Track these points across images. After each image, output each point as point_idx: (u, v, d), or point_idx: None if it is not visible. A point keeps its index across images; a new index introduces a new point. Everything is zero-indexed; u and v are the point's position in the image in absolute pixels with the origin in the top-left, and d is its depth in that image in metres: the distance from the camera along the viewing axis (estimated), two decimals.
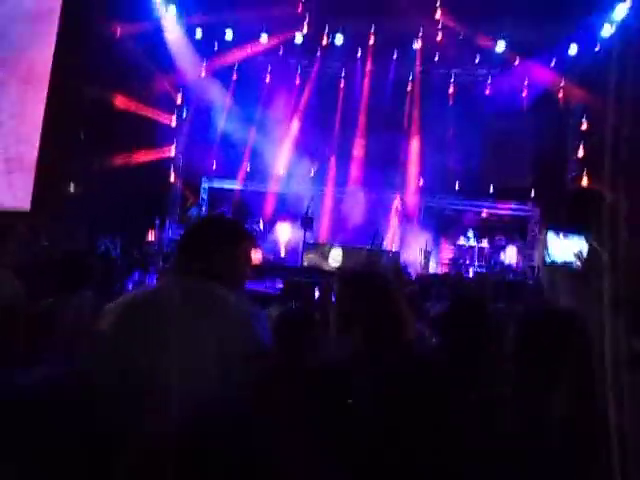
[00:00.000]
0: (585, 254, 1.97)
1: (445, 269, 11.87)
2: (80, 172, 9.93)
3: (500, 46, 11.82)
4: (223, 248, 1.68)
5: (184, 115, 13.57)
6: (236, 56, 13.25)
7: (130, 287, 5.87)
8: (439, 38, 12.09)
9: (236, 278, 1.71)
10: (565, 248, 2.04)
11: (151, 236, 11.35)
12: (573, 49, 11.55)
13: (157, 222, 11.31)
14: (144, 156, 11.44)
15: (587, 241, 1.97)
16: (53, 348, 2.52)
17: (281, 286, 6.39)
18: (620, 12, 10.29)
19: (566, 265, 2.04)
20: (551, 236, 2.03)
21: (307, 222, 11.36)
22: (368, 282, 1.83)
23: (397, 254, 11.52)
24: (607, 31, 10.81)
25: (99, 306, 1.72)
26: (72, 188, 10.00)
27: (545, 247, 2.03)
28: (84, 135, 10.21)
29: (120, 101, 10.95)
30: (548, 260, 2.04)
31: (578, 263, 2.00)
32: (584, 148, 12.52)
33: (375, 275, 1.88)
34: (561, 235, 2.03)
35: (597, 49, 11.19)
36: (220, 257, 1.67)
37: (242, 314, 1.60)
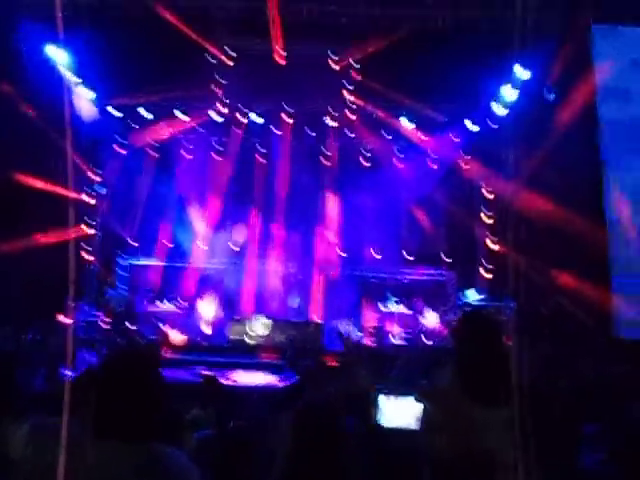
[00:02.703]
0: (420, 415, 2.10)
1: (369, 338, 12.01)
2: None
3: (408, 125, 12.70)
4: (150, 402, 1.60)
5: (101, 192, 13.32)
6: (154, 134, 13.36)
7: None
8: (351, 117, 12.83)
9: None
10: (399, 409, 2.16)
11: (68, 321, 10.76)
12: (472, 127, 12.60)
13: (72, 305, 10.76)
14: (57, 236, 11.00)
15: (417, 400, 2.10)
16: None
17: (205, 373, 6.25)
18: (510, 95, 11.42)
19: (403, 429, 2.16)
20: (382, 398, 2.14)
21: (230, 305, 11.27)
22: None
23: (321, 325, 11.59)
24: (501, 111, 11.93)
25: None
26: None
27: (377, 409, 2.15)
28: None
29: (30, 181, 10.61)
30: (383, 423, 2.14)
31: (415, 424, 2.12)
32: (490, 215, 13.48)
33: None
34: (392, 397, 2.15)
35: (493, 126, 12.30)
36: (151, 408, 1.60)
37: None
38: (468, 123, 12.61)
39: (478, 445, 1.95)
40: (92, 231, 12.99)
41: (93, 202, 13.05)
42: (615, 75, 10.61)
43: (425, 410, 2.09)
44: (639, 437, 2.20)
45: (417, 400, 2.13)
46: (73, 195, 11.91)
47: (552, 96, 10.70)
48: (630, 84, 10.66)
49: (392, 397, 2.13)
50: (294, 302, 11.96)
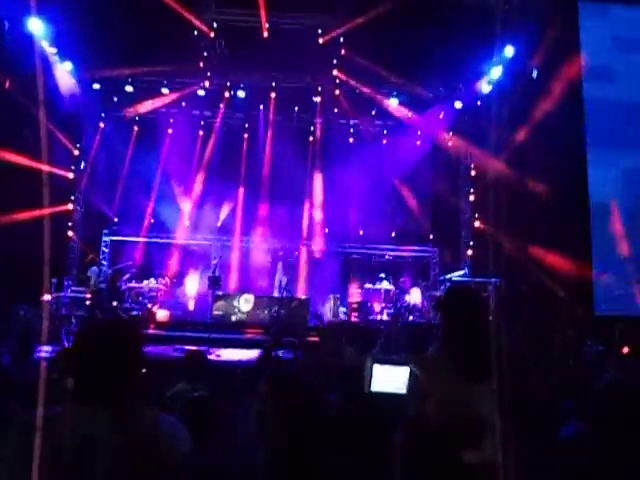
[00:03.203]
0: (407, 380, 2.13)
1: (354, 313, 12.11)
2: None
3: (393, 102, 12.62)
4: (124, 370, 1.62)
5: (82, 168, 13.10)
6: (137, 108, 13.12)
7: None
8: (337, 93, 12.71)
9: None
10: (392, 376, 2.18)
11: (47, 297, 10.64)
12: (458, 104, 12.56)
13: (54, 282, 10.65)
14: (36, 213, 10.79)
15: (411, 368, 2.13)
16: None
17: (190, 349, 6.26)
18: (496, 73, 11.41)
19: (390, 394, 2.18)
20: (377, 367, 2.17)
21: (215, 282, 11.18)
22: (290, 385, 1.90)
23: (306, 301, 11.63)
24: (486, 88, 11.91)
25: None
26: None
27: (370, 376, 2.17)
28: None
29: (7, 156, 10.38)
30: (372, 389, 2.17)
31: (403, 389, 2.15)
32: (474, 192, 13.55)
33: (296, 378, 1.95)
34: (387, 366, 2.17)
35: (478, 104, 12.30)
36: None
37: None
38: (454, 100, 12.58)
39: (464, 414, 1.99)
40: (72, 206, 12.79)
41: (71, 176, 12.81)
42: (600, 54, 10.60)
43: (413, 377, 2.13)
44: (609, 407, 2.26)
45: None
46: (47, 168, 11.68)
47: (535, 73, 10.68)
48: (614, 63, 10.67)
49: (385, 365, 2.16)
50: (280, 279, 11.98)
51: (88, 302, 10.60)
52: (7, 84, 10.15)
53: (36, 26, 9.92)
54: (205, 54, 11.79)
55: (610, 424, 2.24)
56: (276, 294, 11.76)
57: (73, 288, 11.38)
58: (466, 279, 12.34)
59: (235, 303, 11.49)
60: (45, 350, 6.73)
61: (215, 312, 11.35)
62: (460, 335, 2.20)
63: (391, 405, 2.17)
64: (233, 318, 11.37)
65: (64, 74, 11.44)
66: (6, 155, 10.41)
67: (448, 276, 12.54)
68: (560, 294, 9.37)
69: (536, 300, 9.81)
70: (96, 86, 12.31)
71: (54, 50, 10.95)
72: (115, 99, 12.90)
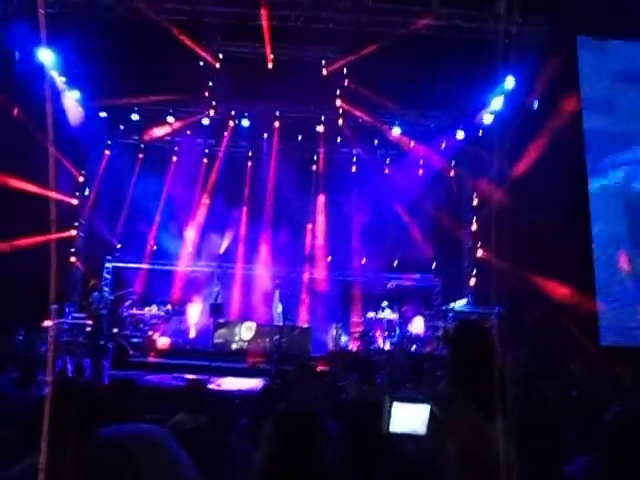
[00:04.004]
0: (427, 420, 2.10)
1: (355, 343, 12.01)
2: None
3: (395, 131, 12.77)
4: None
5: (87, 194, 13.20)
6: (143, 136, 13.30)
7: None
8: (340, 122, 12.87)
9: None
10: (410, 415, 2.15)
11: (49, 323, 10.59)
12: (460, 134, 12.70)
13: (54, 308, 10.60)
14: (39, 239, 10.84)
15: (431, 407, 2.10)
16: None
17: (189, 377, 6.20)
18: (497, 104, 11.55)
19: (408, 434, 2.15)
20: (397, 405, 2.14)
21: (217, 310, 11.12)
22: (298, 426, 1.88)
23: (308, 330, 11.55)
24: (487, 119, 12.05)
25: None
26: None
27: (389, 415, 2.14)
28: None
29: (15, 183, 10.46)
30: (391, 429, 2.14)
31: (423, 429, 2.12)
32: (476, 221, 13.57)
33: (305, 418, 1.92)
34: (407, 404, 2.15)
35: (480, 134, 12.42)
36: None
37: None
38: (455, 130, 12.72)
39: (486, 454, 1.94)
40: (75, 232, 12.84)
41: (75, 202, 12.91)
42: (599, 87, 10.78)
43: (433, 416, 2.09)
44: (616, 440, 2.21)
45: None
46: (55, 195, 11.77)
47: (536, 104, 10.81)
48: (614, 96, 10.82)
49: (404, 404, 2.12)
50: (279, 307, 11.92)
51: (89, 328, 10.54)
52: (16, 112, 10.29)
53: (46, 56, 10.13)
54: (210, 84, 12.00)
55: (618, 460, 2.19)
56: (276, 322, 11.68)
57: (74, 314, 11.33)
58: (469, 308, 12.27)
59: (237, 331, 11.41)
60: (46, 378, 6.63)
61: (216, 340, 11.25)
62: (473, 372, 2.16)
63: (410, 446, 2.13)
64: (234, 346, 11.29)
65: (71, 102, 11.63)
66: (11, 181, 10.50)
67: (451, 305, 12.46)
68: (564, 325, 9.30)
69: (540, 330, 9.73)
70: (103, 114, 12.51)
71: (63, 79, 11.16)
72: (121, 127, 13.10)
